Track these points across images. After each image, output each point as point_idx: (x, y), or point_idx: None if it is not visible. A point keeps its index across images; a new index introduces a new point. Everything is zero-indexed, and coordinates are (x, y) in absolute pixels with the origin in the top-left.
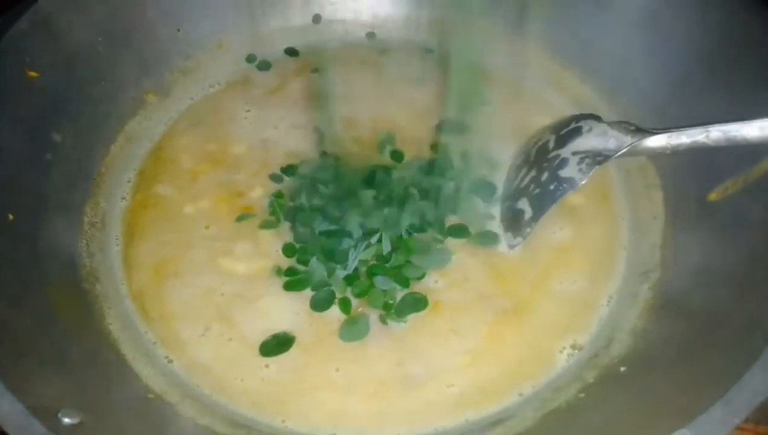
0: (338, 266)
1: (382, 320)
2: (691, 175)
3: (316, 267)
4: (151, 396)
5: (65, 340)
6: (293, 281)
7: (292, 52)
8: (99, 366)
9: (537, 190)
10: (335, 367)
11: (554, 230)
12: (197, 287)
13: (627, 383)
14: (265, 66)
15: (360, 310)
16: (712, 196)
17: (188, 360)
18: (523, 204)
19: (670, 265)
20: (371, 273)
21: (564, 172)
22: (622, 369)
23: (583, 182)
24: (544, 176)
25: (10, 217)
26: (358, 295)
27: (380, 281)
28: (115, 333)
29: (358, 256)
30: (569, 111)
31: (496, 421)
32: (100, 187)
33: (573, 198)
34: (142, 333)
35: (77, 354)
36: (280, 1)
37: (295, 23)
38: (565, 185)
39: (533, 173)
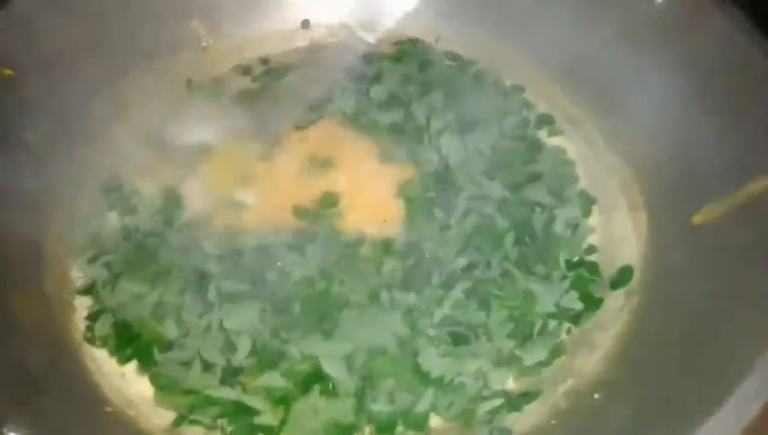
0: None
1: None
2: (676, 197)
3: None
4: (109, 409)
5: (23, 347)
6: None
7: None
8: (57, 376)
9: None
10: None
11: None
12: None
13: (599, 411)
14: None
15: None
16: (697, 218)
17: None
18: None
19: (651, 288)
20: None
21: None
22: (596, 396)
23: None
24: None
25: None
26: None
27: None
28: (79, 341)
29: None
30: (560, 124)
31: None
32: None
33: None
34: None
35: (35, 363)
36: (268, 5)
37: (283, 28)
38: None
39: None
